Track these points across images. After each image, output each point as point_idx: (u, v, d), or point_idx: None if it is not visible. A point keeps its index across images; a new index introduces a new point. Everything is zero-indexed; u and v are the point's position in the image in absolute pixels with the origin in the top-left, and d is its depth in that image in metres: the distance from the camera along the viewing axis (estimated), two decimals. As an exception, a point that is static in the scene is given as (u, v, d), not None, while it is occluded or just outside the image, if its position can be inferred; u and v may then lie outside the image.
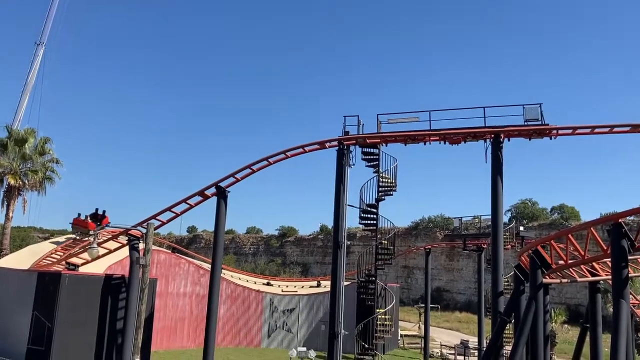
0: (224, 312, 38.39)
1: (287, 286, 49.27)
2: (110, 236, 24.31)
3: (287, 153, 24.21)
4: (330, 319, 22.52)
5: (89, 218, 18.77)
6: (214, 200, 23.47)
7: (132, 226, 21.47)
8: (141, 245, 20.98)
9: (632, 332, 23.59)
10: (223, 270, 40.12)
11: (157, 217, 23.15)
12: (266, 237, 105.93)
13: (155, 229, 21.65)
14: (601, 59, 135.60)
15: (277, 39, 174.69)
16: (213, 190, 23.48)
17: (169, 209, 23.48)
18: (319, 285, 49.33)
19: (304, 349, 33.44)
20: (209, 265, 27.63)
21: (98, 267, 26.16)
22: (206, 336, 22.48)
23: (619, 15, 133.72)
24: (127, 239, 22.37)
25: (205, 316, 23.33)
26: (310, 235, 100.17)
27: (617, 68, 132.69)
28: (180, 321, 35.22)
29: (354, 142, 23.57)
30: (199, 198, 23.68)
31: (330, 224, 23.45)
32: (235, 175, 23.73)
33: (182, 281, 35.70)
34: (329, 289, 24.40)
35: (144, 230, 20.42)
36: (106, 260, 26.44)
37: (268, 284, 49.12)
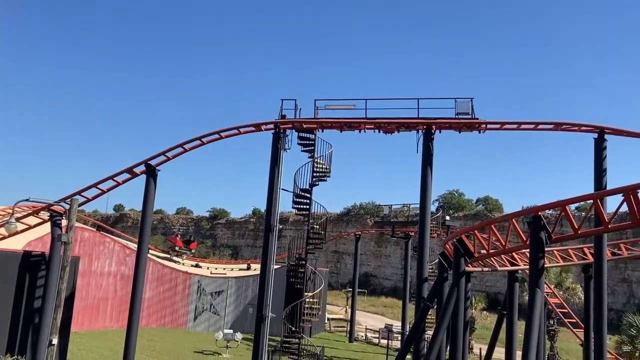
0: (149, 293, 37.57)
1: (216, 268, 48.83)
2: (30, 211, 23.15)
3: (221, 134, 23.83)
4: (259, 301, 22.53)
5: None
6: (142, 178, 22.83)
7: (55, 202, 20.51)
8: (64, 222, 20.11)
9: (544, 319, 25.07)
10: (150, 251, 39.22)
11: (82, 194, 22.26)
12: (197, 219, 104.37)
13: (80, 205, 20.77)
14: (536, 59, 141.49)
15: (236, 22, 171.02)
16: (142, 168, 22.80)
17: (95, 185, 22.62)
18: (249, 269, 49.21)
19: (231, 331, 33.33)
20: (136, 245, 26.89)
21: (17, 244, 24.90)
22: (130, 317, 21.94)
23: (552, 14, 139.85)
24: (49, 214, 21.37)
25: (129, 297, 22.75)
26: (242, 218, 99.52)
27: (548, 69, 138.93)
28: (104, 301, 34.17)
29: (291, 126, 23.49)
30: (127, 175, 22.94)
31: (263, 208, 23.46)
32: (167, 154, 23.13)
33: (106, 260, 34.59)
34: (259, 272, 24.38)
35: (67, 207, 19.56)
36: (26, 236, 25.20)
37: (197, 265, 48.50)
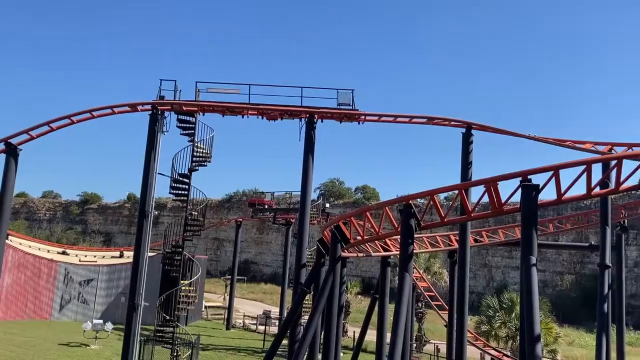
0: (8, 281, 34.60)
1: (85, 256, 46.12)
2: None
3: (93, 113, 22.40)
4: (131, 290, 21.56)
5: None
6: (2, 157, 20.87)
7: None
8: None
9: (413, 302, 26.54)
10: (10, 237, 36.08)
11: None
12: (65, 203, 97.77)
13: None
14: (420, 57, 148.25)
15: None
16: (1, 146, 20.83)
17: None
18: (121, 256, 47.05)
19: (100, 321, 31.67)
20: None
21: None
22: (-16, 309, 20.04)
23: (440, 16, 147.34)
24: None
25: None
26: (116, 203, 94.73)
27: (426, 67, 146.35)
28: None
29: (170, 108, 22.60)
30: (-17, 154, 20.85)
31: (138, 193, 22.35)
32: (30, 132, 21.31)
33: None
34: (132, 259, 23.32)
35: None
36: None
37: (64, 252, 45.51)
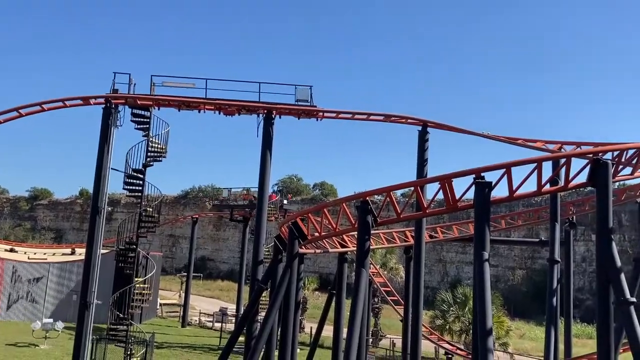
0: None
1: (35, 253, 44.65)
2: None
3: (43, 106, 21.71)
4: (83, 288, 20.99)
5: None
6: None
7: None
8: None
9: (369, 297, 26.82)
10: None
11: None
12: (13, 199, 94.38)
13: None
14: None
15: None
16: (-56, 139, 19.95)
17: None
18: (73, 253, 45.77)
19: (51, 320, 30.77)
20: None
21: None
22: None
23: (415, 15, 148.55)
24: None
25: None
26: (67, 199, 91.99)
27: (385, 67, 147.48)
28: None
29: (124, 101, 22.09)
30: None
31: (91, 188, 21.73)
32: (-24, 125, 20.49)
33: None
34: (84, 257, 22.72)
35: None
36: None
37: (12, 250, 43.97)
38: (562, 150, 21.28)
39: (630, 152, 14.22)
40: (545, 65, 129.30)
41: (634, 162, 14.33)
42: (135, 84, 22.56)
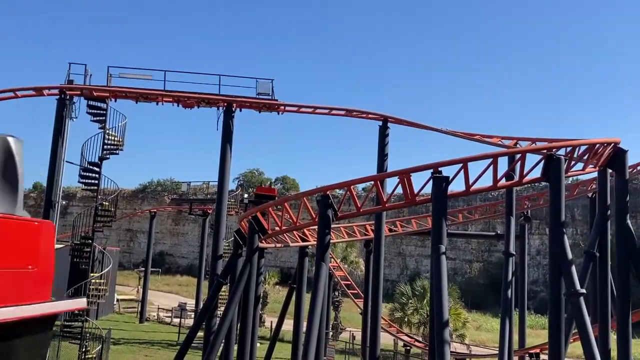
0: None
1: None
2: None
3: (-7, 96, 20.94)
4: (36, 284, 20.42)
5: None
6: None
7: None
8: None
9: (329, 291, 26.95)
10: None
11: None
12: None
13: None
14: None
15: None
16: None
17: None
18: (26, 248, 44.38)
19: (2, 318, 29.79)
20: None
21: None
22: None
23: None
24: None
25: None
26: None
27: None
28: None
29: (79, 93, 21.54)
30: None
31: (45, 181, 20.98)
32: None
33: None
34: (36, 251, 22.04)
35: None
36: None
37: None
38: (518, 145, 21.81)
39: (582, 148, 14.67)
40: (504, 62, 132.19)
41: (585, 158, 14.80)
42: (91, 75, 22.05)
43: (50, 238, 2.39)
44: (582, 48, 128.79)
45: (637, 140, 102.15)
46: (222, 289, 21.01)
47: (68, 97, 21.09)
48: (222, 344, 17.86)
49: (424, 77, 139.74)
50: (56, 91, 21.19)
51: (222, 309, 21.79)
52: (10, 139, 2.09)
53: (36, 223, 2.21)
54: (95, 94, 21.62)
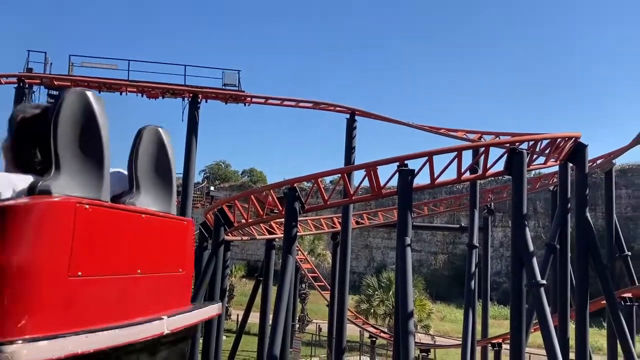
0: None
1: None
2: None
3: (-54, 83, 20.17)
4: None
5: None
6: None
7: None
8: None
9: (296, 283, 26.97)
10: None
11: None
12: None
13: None
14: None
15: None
16: None
17: None
18: None
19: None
20: None
21: None
22: None
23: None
24: None
25: None
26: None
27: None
28: None
29: (39, 81, 20.94)
30: None
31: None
32: None
33: None
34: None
35: None
36: None
37: None
38: (482, 139, 22.13)
39: (544, 142, 14.98)
40: (470, 56, 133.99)
41: (547, 152, 15.11)
42: (51, 64, 21.47)
43: (192, 237, 2.27)
44: (544, 41, 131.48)
45: (598, 135, 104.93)
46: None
47: (27, 85, 20.47)
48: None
49: (392, 70, 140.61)
50: (14, 79, 20.54)
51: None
52: (161, 130, 1.95)
53: (185, 222, 2.09)
54: (55, 83, 21.03)
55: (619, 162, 27.53)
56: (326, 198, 13.78)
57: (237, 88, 22.92)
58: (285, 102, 24.79)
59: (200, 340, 18.22)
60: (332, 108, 24.85)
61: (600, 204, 28.33)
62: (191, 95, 22.01)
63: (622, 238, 19.74)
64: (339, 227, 24.94)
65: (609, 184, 19.84)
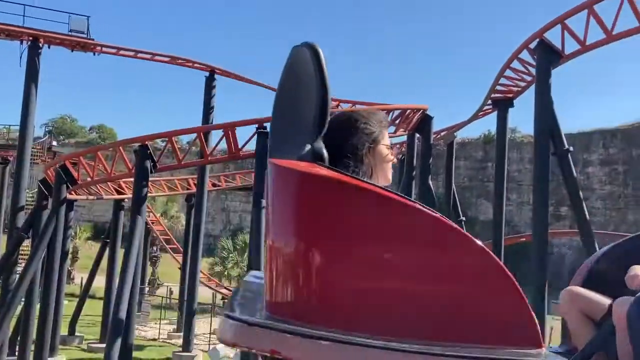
0: None
1: None
2: None
3: None
4: None
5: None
6: None
7: None
8: None
9: (146, 246, 26.09)
10: None
11: None
12: None
13: None
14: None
15: None
16: None
17: None
18: None
19: None
20: None
21: None
22: None
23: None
24: None
25: None
26: None
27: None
28: None
29: None
30: None
31: None
32: None
33: None
34: None
35: None
36: None
37: None
38: (339, 107, 22.73)
39: (396, 112, 15.77)
40: (329, 24, 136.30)
41: (397, 122, 15.94)
42: None
43: None
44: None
45: (444, 107, 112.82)
46: (24, 244, 19.10)
47: None
48: (22, 303, 16.35)
49: (251, 29, 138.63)
50: None
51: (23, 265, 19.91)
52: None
53: None
54: None
55: (460, 135, 29.87)
56: (180, 158, 13.32)
57: (86, 35, 21.10)
58: (140, 55, 23.30)
59: (38, 306, 16.94)
60: (190, 64, 23.90)
61: (441, 173, 30.67)
62: (31, 38, 19.81)
63: (459, 205, 21.62)
64: (194, 189, 24.37)
65: (450, 155, 21.53)
